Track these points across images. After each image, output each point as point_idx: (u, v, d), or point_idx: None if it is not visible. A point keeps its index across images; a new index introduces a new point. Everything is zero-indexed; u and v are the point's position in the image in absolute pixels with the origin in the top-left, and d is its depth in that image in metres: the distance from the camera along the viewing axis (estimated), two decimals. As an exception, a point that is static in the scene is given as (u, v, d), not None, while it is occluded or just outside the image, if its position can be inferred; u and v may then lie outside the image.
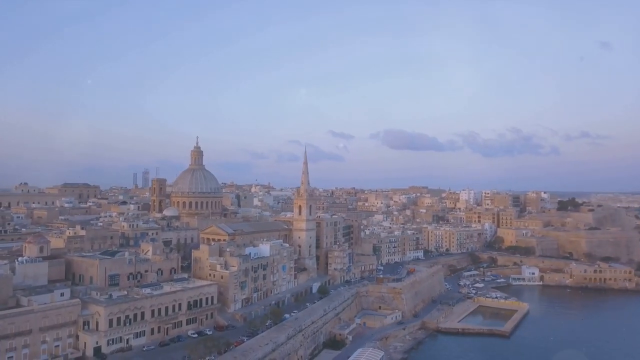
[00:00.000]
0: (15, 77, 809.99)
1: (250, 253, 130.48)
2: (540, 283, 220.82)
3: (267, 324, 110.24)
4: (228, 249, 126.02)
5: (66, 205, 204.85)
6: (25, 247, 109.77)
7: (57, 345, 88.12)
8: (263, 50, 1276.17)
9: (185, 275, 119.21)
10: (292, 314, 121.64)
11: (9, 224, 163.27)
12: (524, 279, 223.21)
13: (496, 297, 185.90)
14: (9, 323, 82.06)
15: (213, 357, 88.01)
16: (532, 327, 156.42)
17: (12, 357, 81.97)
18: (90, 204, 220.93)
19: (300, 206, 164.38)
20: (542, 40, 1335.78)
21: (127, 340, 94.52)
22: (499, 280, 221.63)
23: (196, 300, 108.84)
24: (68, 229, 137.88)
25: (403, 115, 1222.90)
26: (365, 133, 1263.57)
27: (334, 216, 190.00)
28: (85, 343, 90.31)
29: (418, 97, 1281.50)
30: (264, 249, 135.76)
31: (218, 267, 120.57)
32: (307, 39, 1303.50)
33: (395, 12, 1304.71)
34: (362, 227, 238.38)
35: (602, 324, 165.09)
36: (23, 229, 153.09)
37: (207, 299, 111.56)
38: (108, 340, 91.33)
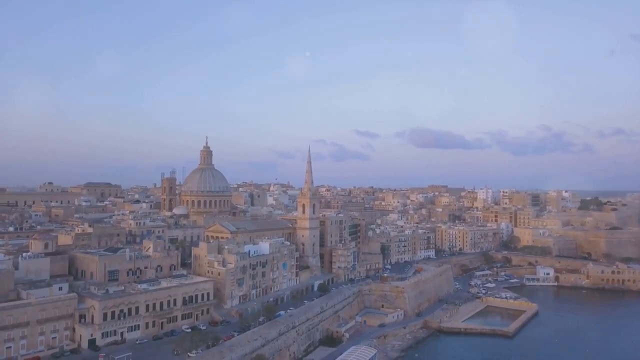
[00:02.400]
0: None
1: (249, 251, 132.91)
2: (555, 284, 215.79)
3: (260, 320, 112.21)
4: (226, 247, 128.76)
5: (84, 203, 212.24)
6: (32, 243, 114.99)
7: (54, 337, 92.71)
8: (285, 49, 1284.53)
9: (184, 272, 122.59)
10: (288, 310, 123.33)
11: (26, 221, 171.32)
12: (538, 280, 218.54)
13: (505, 298, 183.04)
14: (7, 315, 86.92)
15: (200, 351, 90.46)
16: (539, 328, 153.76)
17: (10, 347, 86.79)
18: (107, 202, 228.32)
19: (303, 205, 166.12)
20: (570, 35, 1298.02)
21: (122, 333, 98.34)
22: (512, 281, 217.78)
23: (191, 296, 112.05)
24: (77, 227, 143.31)
25: (428, 113, 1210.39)
26: (391, 131, 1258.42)
27: (339, 215, 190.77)
28: (80, 335, 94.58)
29: (443, 95, 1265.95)
30: (264, 246, 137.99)
31: (216, 264, 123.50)
32: (329, 37, 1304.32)
33: (419, 11, 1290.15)
34: (375, 226, 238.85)
35: (613, 326, 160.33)
36: (38, 227, 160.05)
37: (202, 295, 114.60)
38: (102, 333, 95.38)
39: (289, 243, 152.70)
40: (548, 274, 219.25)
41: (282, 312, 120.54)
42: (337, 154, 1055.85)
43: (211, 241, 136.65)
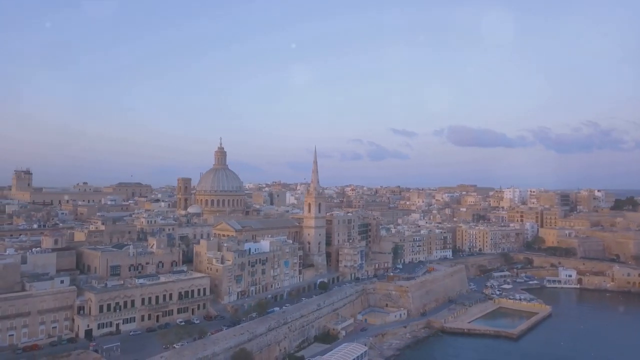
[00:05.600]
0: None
1: (249, 248, 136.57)
2: (578, 286, 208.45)
3: (252, 315, 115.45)
4: (225, 244, 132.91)
5: (109, 202, 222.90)
6: (43, 239, 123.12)
7: (54, 327, 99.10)
8: (315, 46, 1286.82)
9: (184, 268, 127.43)
10: (284, 307, 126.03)
11: (52, 219, 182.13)
12: (559, 282, 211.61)
13: (519, 299, 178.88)
14: (10, 305, 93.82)
15: (185, 343, 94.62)
16: (548, 330, 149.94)
17: (12, 335, 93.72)
18: (131, 201, 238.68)
19: (309, 204, 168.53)
20: (611, 27, 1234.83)
21: (117, 325, 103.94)
22: (531, 282, 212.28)
23: (187, 291, 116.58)
24: (91, 225, 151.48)
25: (467, 111, 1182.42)
26: (429, 130, 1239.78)
27: (347, 214, 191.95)
28: (78, 326, 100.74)
29: (482, 92, 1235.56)
30: (264, 244, 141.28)
31: (214, 261, 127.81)
32: (364, 36, 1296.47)
33: (455, 11, 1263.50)
34: (393, 225, 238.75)
35: (632, 331, 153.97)
36: (61, 224, 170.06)
37: (199, 290, 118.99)
38: (98, 324, 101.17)
39: (291, 241, 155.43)
40: (570, 275, 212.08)
41: (276, 309, 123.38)
42: (374, 153, 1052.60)
43: (212, 239, 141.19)
